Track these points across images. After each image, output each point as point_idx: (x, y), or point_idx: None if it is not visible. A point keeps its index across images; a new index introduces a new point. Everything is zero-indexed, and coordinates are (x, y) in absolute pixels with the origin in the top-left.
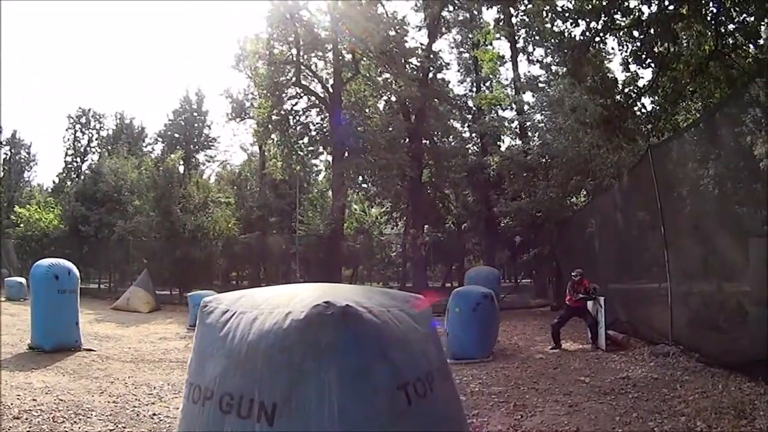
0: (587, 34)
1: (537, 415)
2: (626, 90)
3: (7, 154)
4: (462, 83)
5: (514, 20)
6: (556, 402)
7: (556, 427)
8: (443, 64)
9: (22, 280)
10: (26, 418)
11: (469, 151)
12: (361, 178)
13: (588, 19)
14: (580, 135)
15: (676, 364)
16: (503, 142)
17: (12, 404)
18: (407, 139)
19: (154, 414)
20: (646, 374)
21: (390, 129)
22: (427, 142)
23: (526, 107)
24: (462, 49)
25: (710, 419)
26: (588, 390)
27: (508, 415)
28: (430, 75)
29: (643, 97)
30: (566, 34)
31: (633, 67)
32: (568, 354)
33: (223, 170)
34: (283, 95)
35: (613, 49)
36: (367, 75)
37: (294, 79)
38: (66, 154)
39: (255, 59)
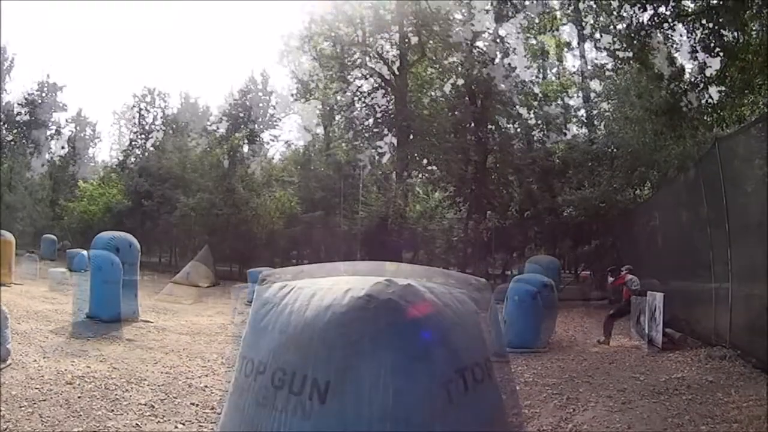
0: (655, 19)
1: (589, 410)
2: (693, 79)
3: (72, 132)
4: (528, 69)
5: (581, 5)
6: (609, 398)
7: (608, 423)
8: (510, 48)
9: (84, 251)
10: (78, 384)
11: (535, 138)
12: (425, 161)
13: (656, 5)
14: (647, 125)
15: (732, 368)
16: (569, 130)
17: (65, 370)
18: (473, 124)
19: (206, 386)
20: (701, 376)
21: (456, 113)
22: (493, 127)
23: (592, 95)
24: (528, 35)
25: (763, 428)
26: (642, 388)
27: (560, 408)
28: (497, 59)
29: (710, 87)
30: (633, 19)
31: (701, 56)
32: (624, 350)
33: (287, 150)
34: (349, 77)
35: (681, 35)
36: (433, 58)
37: (359, 60)
38: (131, 132)
39: (320, 40)
